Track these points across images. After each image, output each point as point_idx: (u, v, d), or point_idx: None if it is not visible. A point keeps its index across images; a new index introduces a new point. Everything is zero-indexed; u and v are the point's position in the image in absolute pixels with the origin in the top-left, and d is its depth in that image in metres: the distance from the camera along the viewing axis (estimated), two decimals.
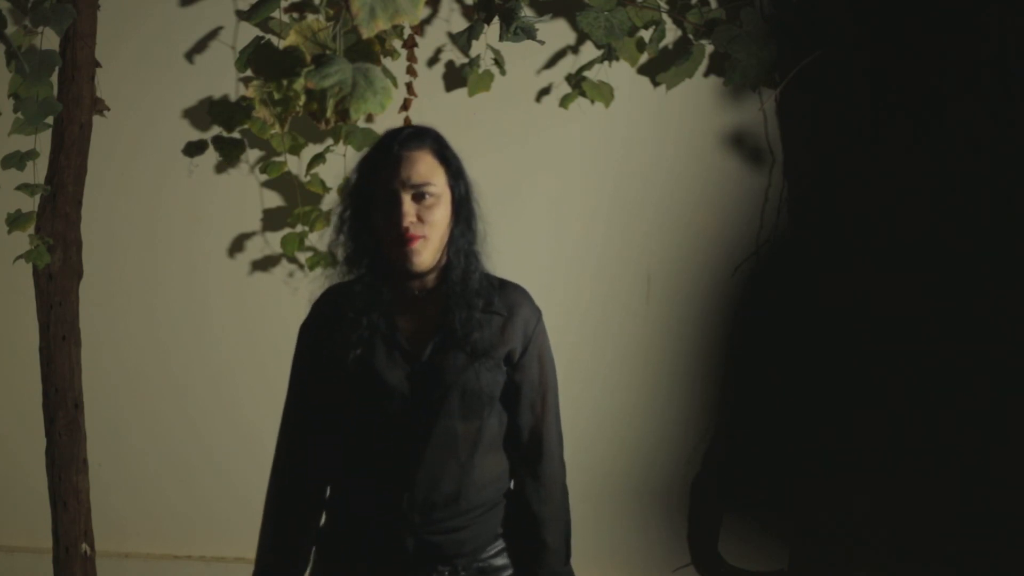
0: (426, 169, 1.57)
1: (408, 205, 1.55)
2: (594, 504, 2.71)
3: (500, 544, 1.69)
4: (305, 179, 2.64)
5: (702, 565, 2.81)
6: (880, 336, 2.62)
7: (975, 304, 2.55)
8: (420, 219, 1.55)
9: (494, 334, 1.62)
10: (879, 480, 2.67)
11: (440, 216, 1.57)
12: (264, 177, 2.68)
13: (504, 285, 1.67)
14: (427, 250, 1.57)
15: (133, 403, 2.83)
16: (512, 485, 1.73)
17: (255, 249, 2.77)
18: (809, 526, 2.76)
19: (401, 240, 1.55)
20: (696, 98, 2.67)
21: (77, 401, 2.64)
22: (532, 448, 1.69)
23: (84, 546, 2.63)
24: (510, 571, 1.69)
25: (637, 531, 2.80)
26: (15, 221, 2.55)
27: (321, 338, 1.63)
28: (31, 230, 2.57)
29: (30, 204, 2.59)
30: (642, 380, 2.76)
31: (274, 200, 2.75)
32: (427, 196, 1.56)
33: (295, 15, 2.48)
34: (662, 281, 2.73)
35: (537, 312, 1.68)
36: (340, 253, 1.65)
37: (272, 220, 2.75)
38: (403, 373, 1.59)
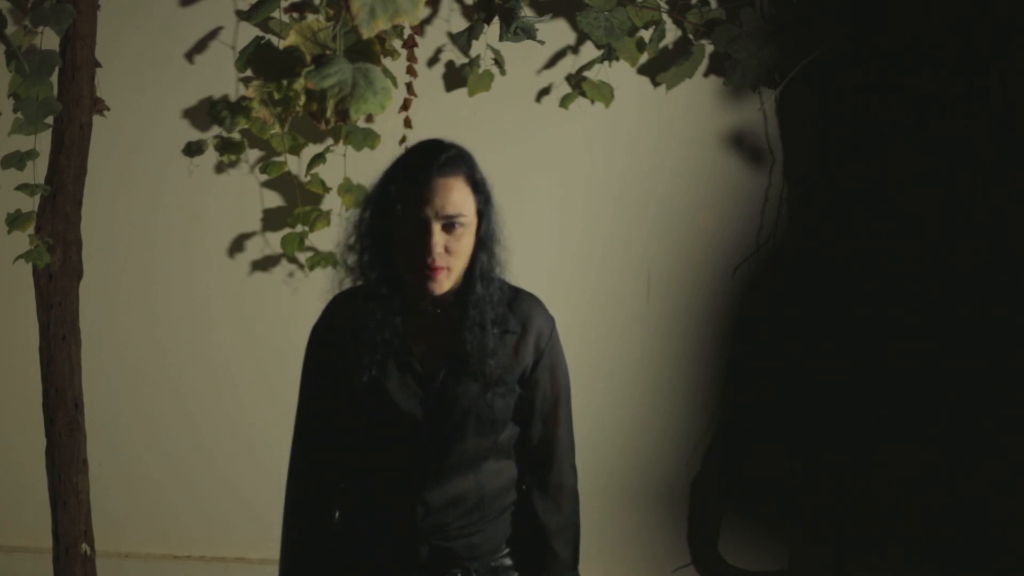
0: (460, 198, 1.49)
1: (438, 236, 1.48)
2: (594, 504, 2.69)
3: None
4: (305, 179, 2.64)
5: (702, 565, 2.81)
6: (880, 336, 2.62)
7: (975, 304, 2.55)
8: (447, 249, 1.49)
9: (508, 355, 1.58)
10: (879, 480, 2.67)
11: (466, 245, 1.52)
12: (264, 177, 2.67)
13: (516, 297, 1.62)
14: (449, 279, 1.52)
15: (133, 403, 2.83)
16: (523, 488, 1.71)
17: (255, 249, 2.77)
18: (809, 526, 2.76)
19: (425, 269, 1.49)
20: (696, 98, 2.66)
21: (77, 401, 2.63)
22: (542, 458, 1.67)
23: (84, 546, 2.63)
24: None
25: (637, 531, 2.80)
26: (15, 221, 2.55)
27: (333, 348, 1.60)
28: (31, 230, 2.57)
29: (30, 204, 2.58)
30: (642, 380, 2.76)
31: (274, 200, 2.75)
32: (457, 226, 1.49)
33: (295, 15, 2.48)
34: (662, 281, 2.73)
35: (550, 321, 1.64)
36: (352, 261, 1.59)
37: (272, 220, 2.75)
38: (417, 399, 1.56)
